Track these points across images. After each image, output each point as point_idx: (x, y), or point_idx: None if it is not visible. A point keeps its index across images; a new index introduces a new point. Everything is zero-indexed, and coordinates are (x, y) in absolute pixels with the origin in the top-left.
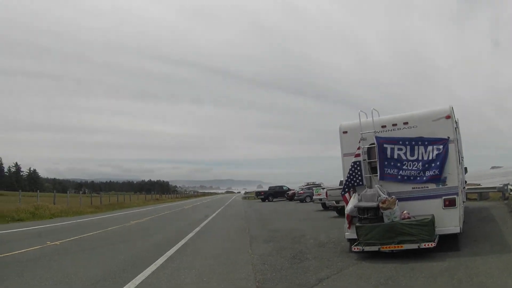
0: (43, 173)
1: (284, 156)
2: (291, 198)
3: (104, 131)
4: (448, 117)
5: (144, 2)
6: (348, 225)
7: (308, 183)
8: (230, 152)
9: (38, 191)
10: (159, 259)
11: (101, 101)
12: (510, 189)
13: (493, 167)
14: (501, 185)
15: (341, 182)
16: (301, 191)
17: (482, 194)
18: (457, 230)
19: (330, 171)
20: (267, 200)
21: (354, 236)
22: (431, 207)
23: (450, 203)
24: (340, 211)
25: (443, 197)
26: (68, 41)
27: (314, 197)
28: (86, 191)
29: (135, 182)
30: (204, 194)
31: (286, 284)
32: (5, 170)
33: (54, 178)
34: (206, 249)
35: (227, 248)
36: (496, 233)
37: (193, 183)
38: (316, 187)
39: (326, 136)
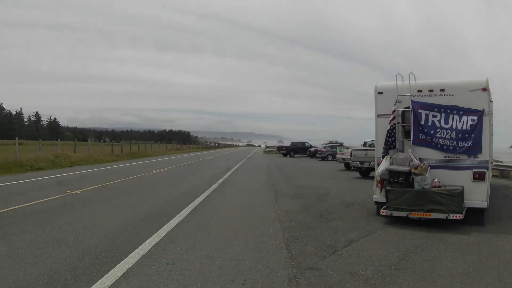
0: (64, 122)
1: (304, 112)
2: (313, 155)
3: (126, 81)
4: (484, 89)
5: None
6: (379, 189)
7: (330, 141)
8: (252, 105)
9: (59, 139)
10: (183, 211)
11: (123, 51)
12: None
13: None
14: None
15: (365, 143)
16: (324, 149)
17: (503, 171)
18: (484, 205)
19: (351, 132)
20: (288, 156)
21: (383, 199)
22: (461, 179)
23: (479, 177)
24: (364, 173)
25: (473, 170)
26: None
27: (337, 156)
28: (107, 139)
29: (155, 132)
30: (224, 146)
31: (315, 244)
32: (25, 120)
33: (74, 127)
34: (231, 202)
35: (252, 202)
36: None
37: (214, 135)
38: (339, 146)
39: (348, 96)
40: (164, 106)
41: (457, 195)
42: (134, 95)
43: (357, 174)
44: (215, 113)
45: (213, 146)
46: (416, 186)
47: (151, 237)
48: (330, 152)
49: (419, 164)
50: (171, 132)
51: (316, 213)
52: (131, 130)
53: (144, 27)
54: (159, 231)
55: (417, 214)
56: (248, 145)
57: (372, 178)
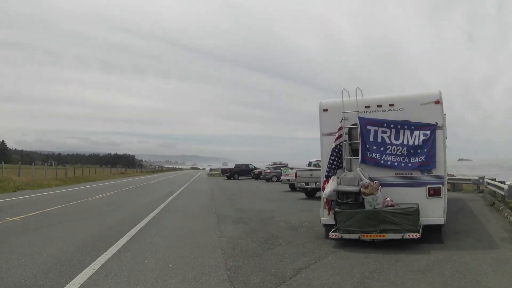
0: (11, 144)
1: (249, 134)
2: (257, 177)
3: (71, 103)
4: (437, 102)
5: None
6: (327, 210)
7: (275, 162)
8: (196, 127)
9: (3, 162)
10: (121, 240)
11: (69, 72)
12: (487, 182)
13: (460, 159)
14: (477, 178)
15: (310, 163)
16: (268, 171)
17: (455, 185)
18: (441, 221)
19: (295, 152)
20: (232, 178)
21: (331, 221)
22: (415, 196)
23: (435, 193)
24: (310, 193)
25: (428, 186)
26: (38, 8)
27: (282, 177)
28: (53, 163)
29: (101, 155)
30: (169, 169)
31: (260, 274)
32: None
33: (22, 150)
34: (171, 229)
35: (193, 229)
36: (478, 227)
37: (159, 158)
38: (284, 167)
39: (292, 116)
40: (108, 129)
41: (412, 213)
42: (79, 117)
43: (302, 195)
44: (160, 136)
45: (157, 169)
46: (367, 206)
47: (85, 269)
48: (274, 174)
49: (369, 183)
50: (116, 156)
51: (260, 238)
52: (77, 153)
53: (89, 47)
54: (94, 263)
55: (370, 236)
56: (193, 168)
57: (319, 198)
